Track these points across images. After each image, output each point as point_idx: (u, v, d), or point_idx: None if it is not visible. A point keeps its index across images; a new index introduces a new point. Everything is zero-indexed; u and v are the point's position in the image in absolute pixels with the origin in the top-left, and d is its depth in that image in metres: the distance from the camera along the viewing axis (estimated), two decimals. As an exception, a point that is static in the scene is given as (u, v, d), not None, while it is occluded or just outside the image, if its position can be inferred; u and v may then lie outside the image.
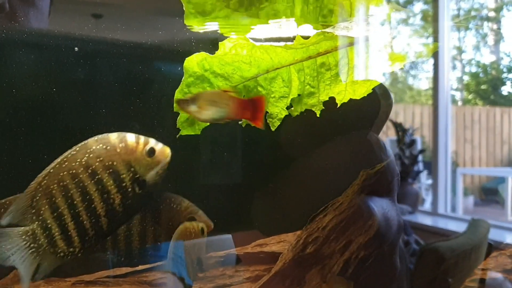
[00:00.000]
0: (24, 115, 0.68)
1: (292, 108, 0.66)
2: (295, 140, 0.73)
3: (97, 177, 0.55)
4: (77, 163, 0.55)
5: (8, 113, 0.67)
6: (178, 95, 0.64)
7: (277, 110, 0.66)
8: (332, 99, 0.67)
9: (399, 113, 3.37)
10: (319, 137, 0.72)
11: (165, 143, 0.63)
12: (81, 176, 0.55)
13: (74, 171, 0.55)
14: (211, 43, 0.66)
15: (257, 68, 0.63)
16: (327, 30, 0.62)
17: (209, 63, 0.63)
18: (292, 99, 0.66)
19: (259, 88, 0.64)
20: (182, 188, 0.73)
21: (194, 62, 0.63)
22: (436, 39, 0.74)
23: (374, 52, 0.65)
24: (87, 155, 0.55)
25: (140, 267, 0.76)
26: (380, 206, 0.64)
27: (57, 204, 0.55)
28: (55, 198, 0.54)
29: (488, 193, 3.88)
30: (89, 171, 0.55)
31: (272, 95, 0.65)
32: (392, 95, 0.79)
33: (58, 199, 0.54)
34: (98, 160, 0.55)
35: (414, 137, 2.67)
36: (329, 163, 0.67)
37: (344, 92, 0.65)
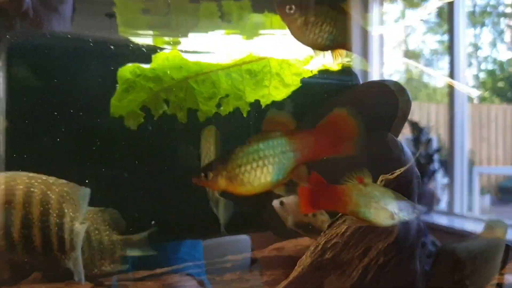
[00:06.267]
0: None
1: (222, 108, 0.75)
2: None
3: None
4: None
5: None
6: (114, 101, 0.68)
7: (207, 108, 0.74)
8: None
9: (415, 111, 3.33)
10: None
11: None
12: None
13: None
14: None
15: (187, 71, 0.71)
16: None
17: (141, 70, 0.70)
18: (221, 99, 0.75)
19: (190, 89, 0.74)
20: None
21: (127, 71, 0.69)
22: (451, 36, 0.75)
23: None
24: None
25: (159, 270, 0.76)
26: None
27: None
28: None
29: (505, 192, 3.82)
30: None
31: (202, 95, 0.74)
32: (410, 94, 0.78)
33: None
34: None
35: (430, 136, 2.64)
36: (346, 165, 0.66)
37: (268, 95, 0.76)
